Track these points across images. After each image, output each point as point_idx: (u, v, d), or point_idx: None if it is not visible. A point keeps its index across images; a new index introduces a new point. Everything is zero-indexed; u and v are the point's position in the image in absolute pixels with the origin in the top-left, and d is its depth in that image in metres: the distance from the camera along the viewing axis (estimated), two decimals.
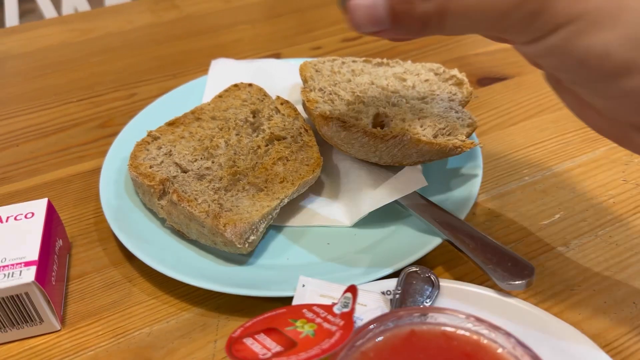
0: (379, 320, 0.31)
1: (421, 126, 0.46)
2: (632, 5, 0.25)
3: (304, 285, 0.38)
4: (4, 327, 0.40)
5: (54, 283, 0.42)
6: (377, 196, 0.45)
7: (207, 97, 0.62)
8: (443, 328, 0.32)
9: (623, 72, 0.26)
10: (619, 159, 0.54)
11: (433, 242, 0.43)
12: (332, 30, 0.85)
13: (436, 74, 0.55)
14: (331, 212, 0.48)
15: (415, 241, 0.43)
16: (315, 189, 0.50)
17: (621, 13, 0.25)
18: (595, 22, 0.25)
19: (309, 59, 0.57)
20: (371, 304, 0.37)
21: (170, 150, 0.50)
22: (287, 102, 0.55)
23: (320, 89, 0.50)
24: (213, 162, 0.49)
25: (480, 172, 0.49)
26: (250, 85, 0.59)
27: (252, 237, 0.43)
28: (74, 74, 0.78)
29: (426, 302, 0.37)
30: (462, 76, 0.54)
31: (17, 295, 0.38)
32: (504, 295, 0.38)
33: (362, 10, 0.30)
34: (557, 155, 0.56)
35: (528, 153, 0.56)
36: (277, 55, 0.78)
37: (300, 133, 0.51)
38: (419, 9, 0.28)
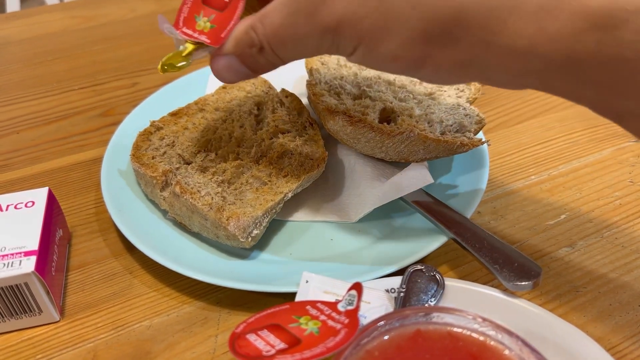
0: (384, 318, 0.31)
1: (428, 123, 0.45)
2: (398, 16, 0.30)
3: (307, 282, 0.38)
4: (3, 317, 0.40)
5: (53, 273, 0.41)
6: (382, 192, 0.44)
7: (211, 88, 0.61)
8: (449, 328, 0.31)
9: (418, 64, 0.31)
10: (626, 160, 0.54)
11: (438, 240, 0.42)
12: None
13: None
14: (335, 208, 0.48)
15: (420, 239, 0.43)
16: (320, 183, 0.49)
17: (390, 25, 0.30)
18: (375, 39, 0.31)
19: None
20: (375, 302, 0.37)
21: (173, 141, 0.50)
22: (292, 94, 0.55)
23: (326, 82, 0.50)
24: (216, 155, 0.48)
25: (487, 170, 0.49)
26: None
27: (255, 231, 0.42)
28: (75, 61, 0.77)
29: (431, 301, 0.37)
30: None
31: (17, 285, 0.38)
32: (510, 296, 0.37)
33: (224, 71, 0.37)
34: (564, 155, 0.55)
35: (534, 152, 0.56)
36: None
37: (305, 127, 0.51)
38: (261, 61, 0.36)
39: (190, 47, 0.38)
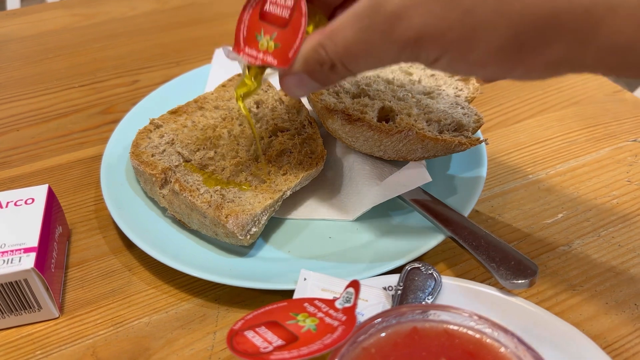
0: (381, 316, 0.31)
1: (427, 121, 0.46)
2: (485, 25, 0.29)
3: (305, 279, 0.38)
4: (3, 313, 0.40)
5: (53, 270, 0.42)
6: (381, 191, 0.45)
7: (211, 86, 0.62)
8: (446, 326, 0.31)
9: (510, 68, 0.31)
10: (623, 160, 0.54)
11: (436, 238, 0.43)
12: None
13: None
14: (334, 206, 0.48)
15: (417, 237, 0.43)
16: (318, 182, 0.49)
17: (478, 35, 0.29)
18: (461, 49, 0.30)
19: None
20: (373, 300, 0.37)
21: (173, 139, 0.50)
22: None
23: None
24: (216, 152, 0.48)
25: (484, 169, 0.49)
26: None
27: (253, 229, 0.42)
28: (76, 59, 0.77)
29: (428, 299, 0.37)
30: None
31: (16, 281, 0.38)
32: (506, 294, 0.37)
33: (295, 88, 0.37)
34: (561, 154, 0.55)
35: (532, 151, 0.56)
36: None
37: (304, 125, 0.51)
38: (332, 76, 0.35)
39: (257, 70, 0.38)
